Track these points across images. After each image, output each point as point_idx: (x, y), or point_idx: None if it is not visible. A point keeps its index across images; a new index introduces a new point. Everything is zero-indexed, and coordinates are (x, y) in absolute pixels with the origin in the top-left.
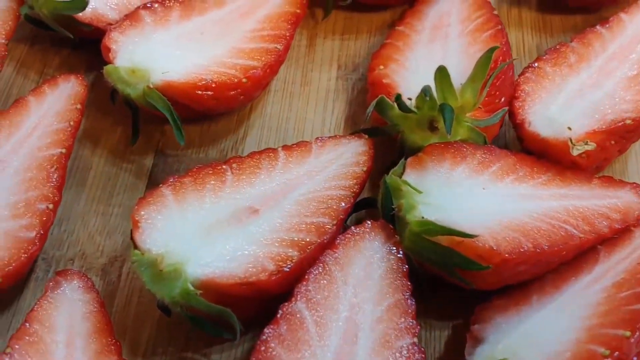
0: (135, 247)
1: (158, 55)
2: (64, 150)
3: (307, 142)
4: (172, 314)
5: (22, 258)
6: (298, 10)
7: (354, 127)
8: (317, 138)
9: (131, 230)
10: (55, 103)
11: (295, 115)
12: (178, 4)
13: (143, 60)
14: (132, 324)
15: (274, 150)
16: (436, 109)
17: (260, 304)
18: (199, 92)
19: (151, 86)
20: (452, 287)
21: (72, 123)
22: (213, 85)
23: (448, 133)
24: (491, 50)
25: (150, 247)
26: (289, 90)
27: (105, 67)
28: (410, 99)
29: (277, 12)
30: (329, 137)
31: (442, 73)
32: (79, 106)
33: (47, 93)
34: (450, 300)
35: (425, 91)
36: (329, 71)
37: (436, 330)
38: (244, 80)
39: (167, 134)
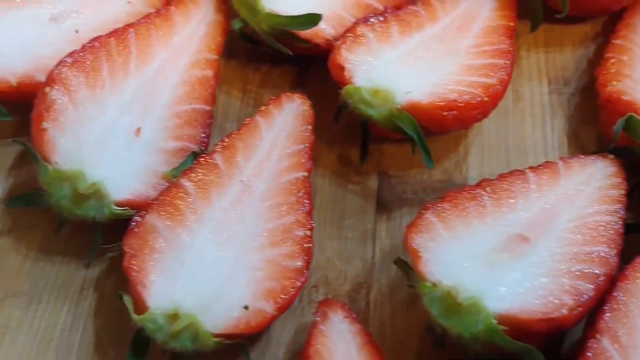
0: (421, 278)
1: (395, 75)
2: (306, 174)
3: (552, 162)
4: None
5: (295, 288)
6: (512, 23)
7: (578, 145)
8: (561, 158)
9: (399, 260)
10: (286, 124)
11: (513, 132)
12: (394, 19)
13: (383, 81)
14: (391, 355)
15: (522, 172)
16: None
17: (540, 339)
18: (445, 113)
19: (399, 107)
20: None
21: (307, 145)
22: (460, 105)
23: None
24: None
25: (440, 279)
26: (502, 105)
27: (345, 88)
28: None
29: (492, 25)
30: (573, 158)
31: None
32: (309, 127)
33: (274, 114)
34: None
35: None
36: (540, 86)
37: None
38: (485, 98)
39: (386, 153)
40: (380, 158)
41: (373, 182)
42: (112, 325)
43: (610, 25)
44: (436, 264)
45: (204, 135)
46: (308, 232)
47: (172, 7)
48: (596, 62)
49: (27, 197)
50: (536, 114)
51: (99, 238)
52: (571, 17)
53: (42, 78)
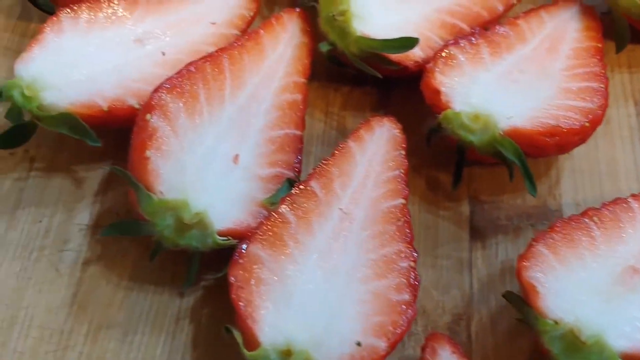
0: (540, 314)
1: (493, 99)
2: (404, 201)
3: None
4: None
5: (405, 322)
6: (599, 45)
7: None
8: None
9: (510, 293)
10: (379, 149)
11: (604, 156)
12: (483, 40)
13: (483, 105)
14: None
15: (625, 200)
16: None
17: None
18: (547, 138)
19: (501, 133)
20: None
21: (402, 171)
22: (563, 131)
23: None
24: None
25: (560, 316)
26: None
27: (444, 113)
28: None
29: (581, 47)
30: None
31: None
32: (402, 152)
33: (366, 139)
34: None
35: None
36: (626, 107)
37: None
38: (586, 124)
39: (476, 178)
40: (470, 182)
41: (465, 208)
42: (210, 358)
43: None
44: (553, 299)
45: (297, 160)
46: (412, 264)
47: (262, 31)
48: None
49: (123, 226)
50: (625, 136)
51: (196, 267)
52: None
53: (132, 102)
